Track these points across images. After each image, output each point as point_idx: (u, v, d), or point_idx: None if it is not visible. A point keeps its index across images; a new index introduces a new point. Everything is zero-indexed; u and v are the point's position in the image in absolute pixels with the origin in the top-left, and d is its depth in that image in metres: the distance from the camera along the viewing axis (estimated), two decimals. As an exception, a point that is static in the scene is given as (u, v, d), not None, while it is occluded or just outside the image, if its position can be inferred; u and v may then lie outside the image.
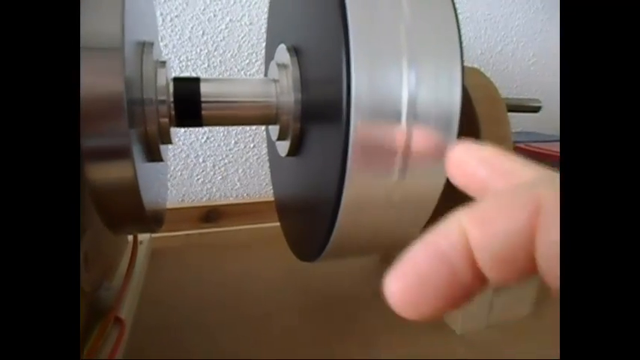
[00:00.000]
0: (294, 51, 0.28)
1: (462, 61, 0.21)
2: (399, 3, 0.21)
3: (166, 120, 0.26)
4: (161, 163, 0.30)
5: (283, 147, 0.30)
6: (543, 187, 0.09)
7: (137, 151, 0.23)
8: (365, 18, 0.20)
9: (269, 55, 0.36)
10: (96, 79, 0.19)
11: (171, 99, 0.26)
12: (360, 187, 0.21)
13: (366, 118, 0.20)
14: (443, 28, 0.21)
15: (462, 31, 0.66)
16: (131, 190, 0.22)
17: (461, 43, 0.22)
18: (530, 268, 0.08)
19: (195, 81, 0.27)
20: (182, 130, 0.53)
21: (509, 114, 0.43)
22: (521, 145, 0.54)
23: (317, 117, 0.25)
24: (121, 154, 0.21)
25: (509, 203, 0.09)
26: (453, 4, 0.22)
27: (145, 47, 0.26)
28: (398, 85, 0.20)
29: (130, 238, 0.40)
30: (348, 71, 0.19)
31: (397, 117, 0.20)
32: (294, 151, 0.29)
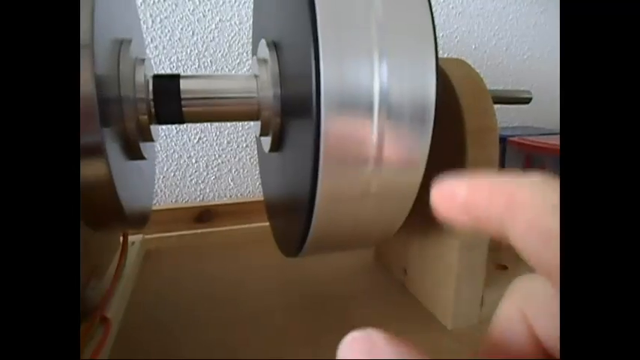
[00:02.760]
0: (274, 46, 0.28)
1: (436, 51, 0.21)
2: (370, -5, 0.21)
3: (146, 117, 0.26)
4: (145, 161, 0.30)
5: (266, 143, 0.30)
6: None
7: (115, 149, 0.23)
8: (335, 11, 0.20)
9: (254, 51, 0.35)
10: (65, 76, 0.19)
11: (151, 96, 0.26)
12: (335, 179, 0.21)
13: (337, 110, 0.20)
14: (415, 19, 0.21)
15: (455, 26, 0.65)
16: (107, 188, 0.22)
17: (434, 32, 0.21)
18: None
19: (175, 78, 0.27)
20: (174, 130, 0.53)
21: (503, 108, 0.43)
22: (516, 139, 0.54)
23: (294, 112, 0.24)
24: (95, 152, 0.21)
25: None
26: (427, -5, 0.22)
27: (122, 45, 0.26)
28: (369, 76, 0.20)
29: (121, 238, 0.40)
30: (317, 65, 0.19)
31: (369, 108, 0.20)
32: (276, 147, 0.29)
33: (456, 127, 0.29)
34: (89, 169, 0.21)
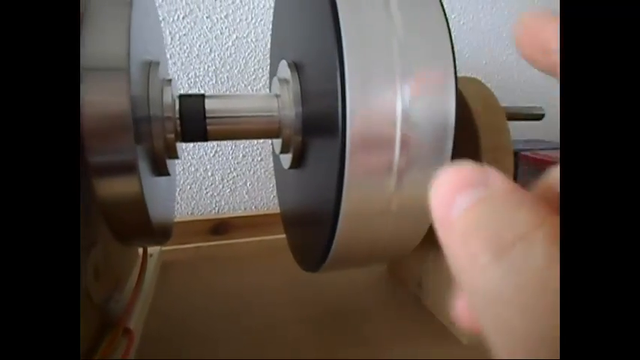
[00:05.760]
0: (295, 66, 0.29)
1: (455, 73, 0.22)
2: (391, 18, 0.22)
3: (172, 136, 0.27)
4: (168, 177, 0.31)
5: (286, 160, 0.31)
6: None
7: (144, 166, 0.24)
8: (358, 34, 0.21)
9: (273, 71, 0.37)
10: (103, 99, 0.20)
11: (177, 115, 0.27)
12: (358, 197, 0.22)
13: (361, 130, 0.20)
14: (435, 41, 0.22)
15: (466, 42, 0.66)
16: (138, 204, 0.23)
17: (454, 55, 0.22)
18: None
19: (200, 97, 0.28)
20: (191, 144, 0.54)
21: (513, 122, 0.44)
22: (527, 154, 0.54)
23: (316, 130, 0.25)
24: (128, 169, 0.22)
25: None
26: (445, 18, 0.23)
27: (151, 67, 0.27)
28: (392, 98, 0.21)
29: (140, 250, 0.41)
30: (342, 86, 0.20)
31: (392, 129, 0.21)
32: (296, 164, 0.29)
33: (472, 145, 0.30)
34: (123, 187, 0.22)
